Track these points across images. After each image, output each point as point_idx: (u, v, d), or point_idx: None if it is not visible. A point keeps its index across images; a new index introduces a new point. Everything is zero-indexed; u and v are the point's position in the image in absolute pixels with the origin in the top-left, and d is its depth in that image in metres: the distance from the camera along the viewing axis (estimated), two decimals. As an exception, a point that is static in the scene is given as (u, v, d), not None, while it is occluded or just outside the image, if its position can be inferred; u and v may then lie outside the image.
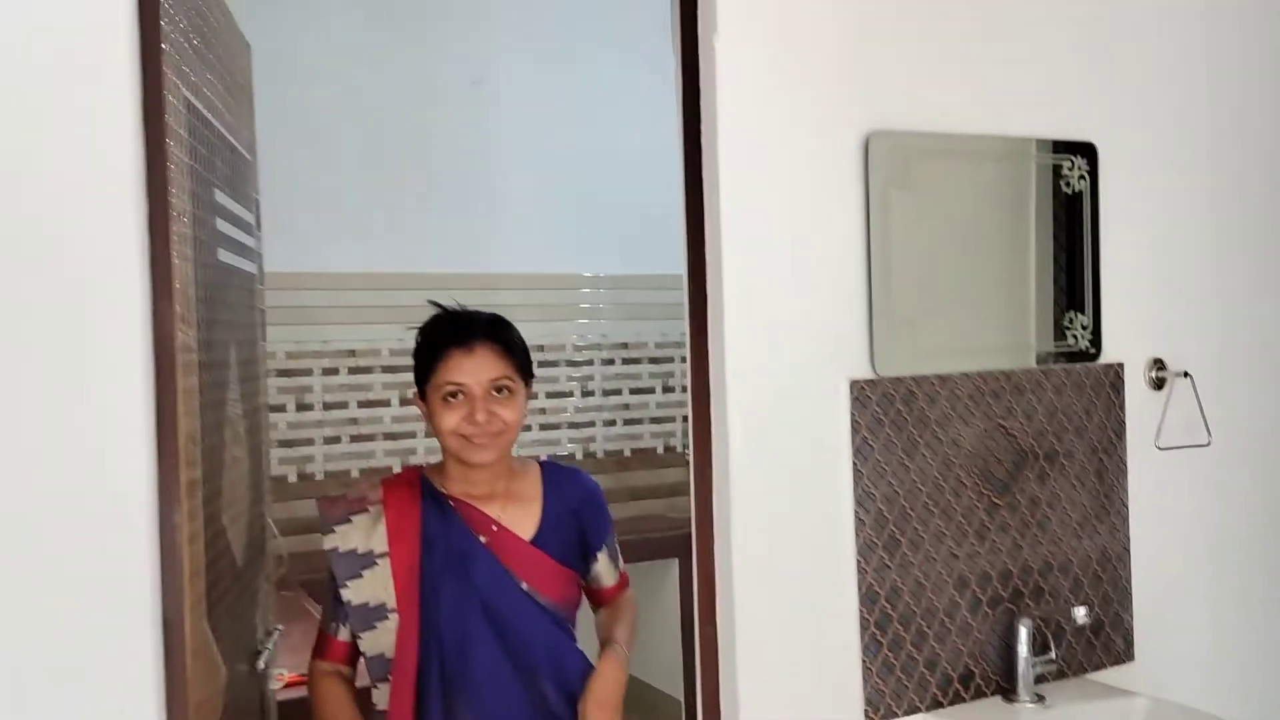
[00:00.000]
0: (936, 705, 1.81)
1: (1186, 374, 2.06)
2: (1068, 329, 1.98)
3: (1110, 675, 1.97)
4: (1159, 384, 2.05)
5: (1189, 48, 2.12)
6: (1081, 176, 1.99)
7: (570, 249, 3.70)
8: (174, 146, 1.45)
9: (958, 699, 1.83)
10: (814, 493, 1.76)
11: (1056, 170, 1.97)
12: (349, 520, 1.58)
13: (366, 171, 3.40)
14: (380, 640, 1.57)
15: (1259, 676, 2.20)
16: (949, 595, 1.84)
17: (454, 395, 1.53)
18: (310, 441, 3.42)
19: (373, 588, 1.55)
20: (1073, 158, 1.98)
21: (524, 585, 1.58)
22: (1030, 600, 1.91)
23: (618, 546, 1.77)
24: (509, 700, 1.55)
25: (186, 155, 1.55)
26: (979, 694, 1.85)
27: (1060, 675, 1.92)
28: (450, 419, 1.54)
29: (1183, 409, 2.07)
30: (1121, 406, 2.03)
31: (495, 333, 1.57)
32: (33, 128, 1.26)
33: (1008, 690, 1.85)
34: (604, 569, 1.73)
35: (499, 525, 1.59)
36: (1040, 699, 1.83)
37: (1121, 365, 2.04)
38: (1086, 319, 1.99)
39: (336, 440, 3.45)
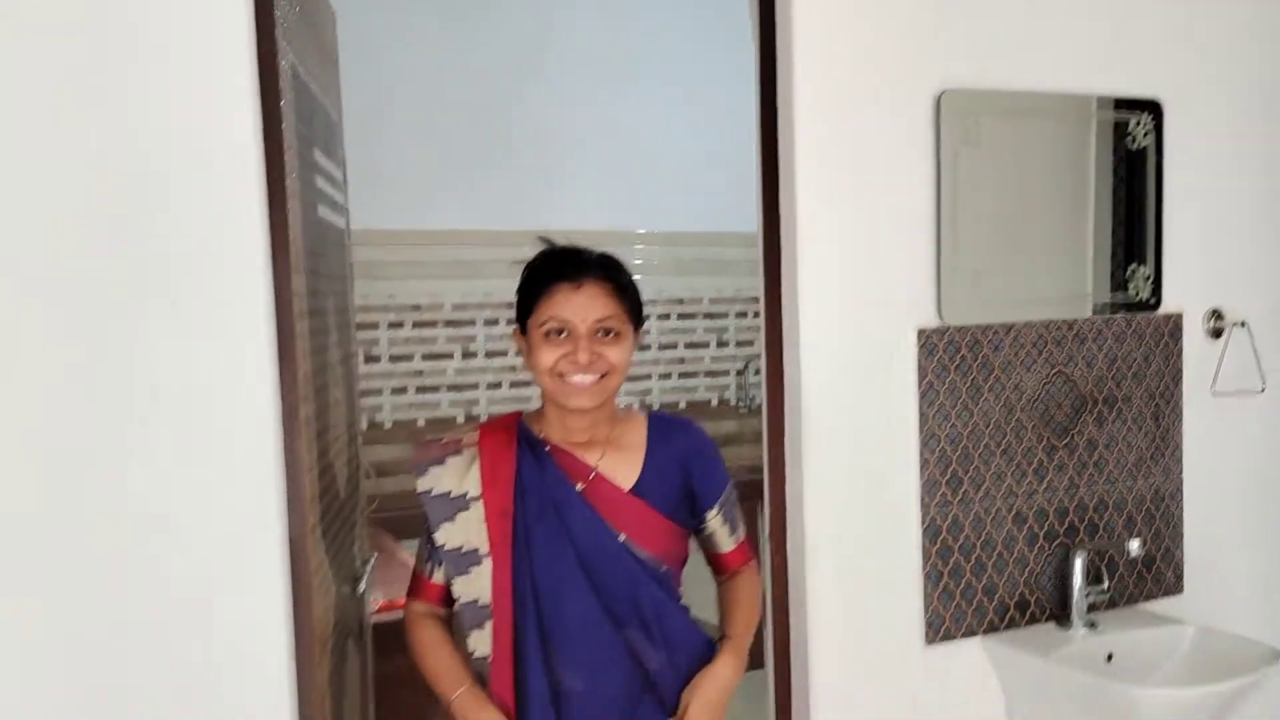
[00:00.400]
0: (992, 630, 1.96)
1: (1243, 324, 2.16)
2: (1129, 280, 2.08)
3: (1159, 606, 2.11)
4: (1217, 333, 2.16)
5: (1256, 6, 2.18)
6: (1147, 133, 2.07)
7: (628, 205, 3.82)
8: (284, 108, 1.59)
9: (1012, 624, 1.97)
10: (882, 433, 1.89)
11: (1123, 127, 2.06)
12: (442, 463, 1.54)
13: (429, 130, 3.53)
14: (474, 585, 1.52)
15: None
16: (1007, 529, 1.97)
17: (557, 333, 1.46)
18: (379, 392, 3.58)
19: (465, 532, 1.52)
20: (1139, 114, 2.07)
21: (621, 537, 1.51)
22: (1085, 535, 2.04)
23: (737, 512, 1.64)
24: (608, 654, 1.50)
25: (294, 116, 1.69)
26: (1033, 620, 1.99)
27: (1111, 605, 2.05)
28: (549, 356, 1.47)
29: (1239, 357, 2.17)
30: (1179, 354, 2.14)
31: (606, 271, 1.50)
32: (163, 98, 1.42)
33: (1061, 617, 1.99)
34: (718, 530, 1.62)
35: (596, 473, 1.52)
36: (1092, 625, 1.96)
37: (1180, 315, 2.14)
38: (1148, 270, 2.09)
39: (403, 391, 3.62)
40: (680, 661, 1.53)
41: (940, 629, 1.92)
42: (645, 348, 3.94)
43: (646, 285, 3.83)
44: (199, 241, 1.45)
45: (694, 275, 3.98)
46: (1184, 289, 2.12)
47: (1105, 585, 2.00)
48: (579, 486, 1.51)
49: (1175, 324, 2.13)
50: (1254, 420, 2.21)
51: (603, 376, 1.47)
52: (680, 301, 3.98)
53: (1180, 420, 2.14)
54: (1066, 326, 2.02)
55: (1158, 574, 2.13)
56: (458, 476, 1.53)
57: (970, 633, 1.94)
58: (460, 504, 1.51)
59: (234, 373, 1.47)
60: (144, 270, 1.42)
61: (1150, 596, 2.11)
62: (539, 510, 1.50)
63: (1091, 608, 1.99)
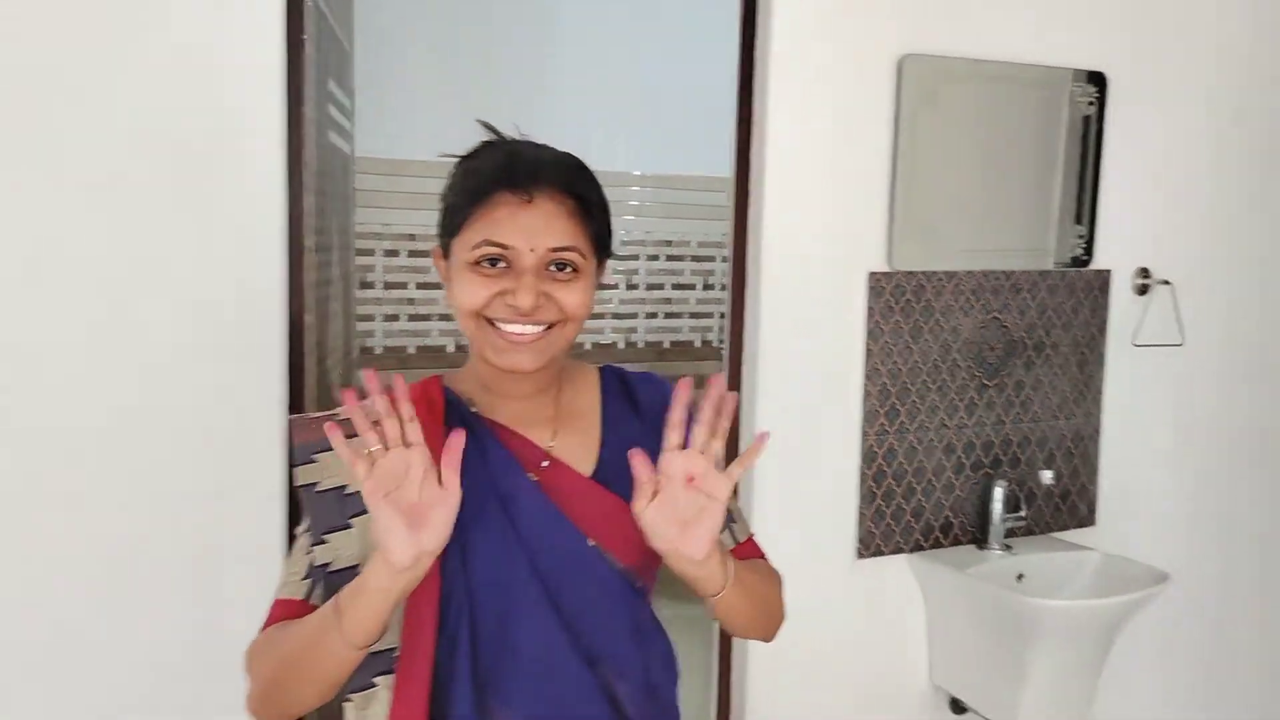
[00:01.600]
0: (918, 548, 2.27)
1: (1167, 282, 2.44)
2: (1067, 237, 2.36)
3: (1073, 535, 2.43)
4: (1142, 290, 2.45)
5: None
6: (1091, 102, 2.34)
7: (623, 147, 4.08)
8: (306, 40, 1.86)
9: (937, 544, 2.29)
10: (830, 366, 2.18)
11: (1069, 96, 2.32)
12: None
13: (429, 62, 3.77)
14: None
15: (1207, 545, 2.65)
16: (937, 459, 2.27)
17: (491, 262, 1.08)
18: (371, 318, 3.87)
19: (366, 542, 1.09)
20: (1084, 85, 2.33)
21: (590, 542, 1.13)
22: (1008, 467, 2.34)
23: (732, 500, 1.15)
24: (575, 699, 1.11)
25: (314, 48, 1.96)
26: (956, 542, 2.31)
27: (1029, 532, 2.36)
28: (476, 294, 1.08)
29: (1161, 313, 2.47)
30: (1106, 308, 2.43)
31: (569, 181, 1.11)
32: (202, 35, 1.70)
33: (980, 540, 2.30)
34: None
35: (550, 458, 1.15)
36: (1008, 548, 2.28)
37: (1110, 272, 2.43)
38: (1083, 229, 2.37)
39: (395, 319, 3.90)
40: (668, 708, 1.19)
41: (871, 545, 2.23)
42: (612, 287, 4.19)
43: (637, 227, 4.17)
44: (226, 158, 1.73)
45: (684, 219, 4.26)
46: (1115, 248, 2.41)
47: (1023, 513, 2.30)
48: (531, 477, 1.14)
49: (1104, 280, 2.42)
50: (1172, 372, 2.51)
51: (550, 327, 1.10)
52: (669, 244, 4.26)
53: (1102, 368, 2.44)
54: (1004, 276, 2.31)
55: (1072, 507, 2.44)
56: None
57: (898, 550, 2.26)
58: (360, 503, 1.07)
59: (249, 277, 1.77)
60: (170, 178, 1.71)
61: (1065, 527, 2.43)
62: (478, 509, 1.11)
63: (1010, 534, 2.30)
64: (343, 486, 1.11)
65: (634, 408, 1.21)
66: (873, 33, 2.14)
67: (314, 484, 1.11)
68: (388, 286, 3.87)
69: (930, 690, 2.32)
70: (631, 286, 4.21)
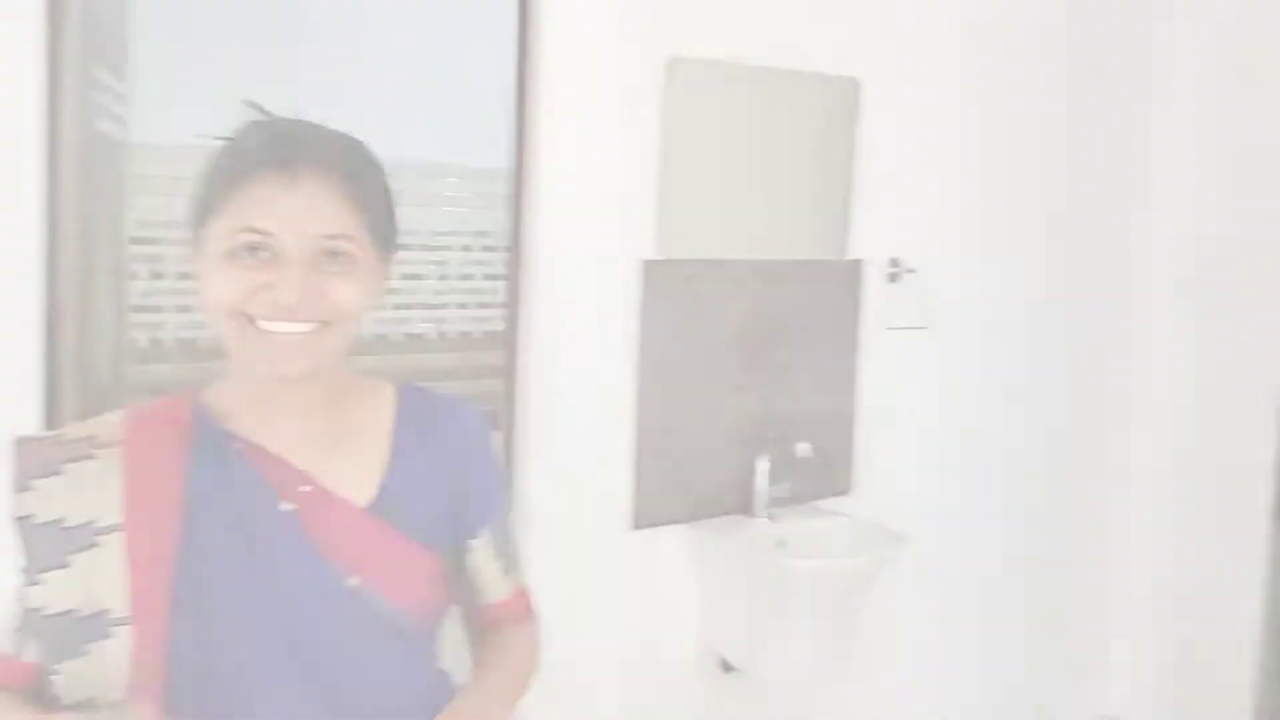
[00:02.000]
0: (691, 519, 2.48)
1: (912, 270, 2.75)
2: (824, 230, 2.62)
3: (832, 503, 2.69)
4: (893, 278, 2.74)
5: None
6: (843, 104, 2.60)
7: (437, 138, 4.15)
8: (69, 26, 1.90)
9: (710, 515, 2.50)
10: (607, 351, 2.36)
11: (808, 98, 2.57)
12: (58, 472, 1.01)
13: (231, 45, 3.74)
14: (94, 673, 1.00)
15: (950, 509, 2.97)
16: (707, 435, 2.49)
17: (251, 250, 0.98)
18: (159, 309, 3.81)
19: (87, 584, 1.00)
20: (840, 89, 2.59)
21: (351, 581, 1.05)
22: (772, 442, 2.59)
23: (514, 541, 1.22)
24: None
25: (78, 33, 1.99)
26: (726, 512, 2.53)
27: (792, 501, 2.61)
28: (231, 287, 0.98)
29: (911, 299, 2.76)
30: (860, 294, 2.70)
31: (342, 160, 1.03)
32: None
33: (747, 510, 2.53)
34: (485, 568, 1.17)
35: (313, 484, 1.06)
36: (771, 517, 2.52)
37: (863, 261, 2.70)
38: (840, 222, 2.63)
39: (187, 310, 3.85)
40: None
41: (646, 517, 2.42)
42: (445, 277, 4.26)
43: (452, 218, 4.24)
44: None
45: (498, 210, 4.37)
46: (868, 239, 2.68)
47: (785, 484, 2.55)
48: (286, 506, 1.05)
49: (858, 269, 2.70)
50: (920, 353, 2.82)
51: (327, 324, 1.01)
52: (484, 234, 4.37)
53: (857, 350, 2.72)
54: (768, 265, 2.54)
55: (831, 477, 2.71)
56: (82, 494, 1.01)
57: (672, 521, 2.46)
58: (83, 538, 1.01)
59: (3, 269, 1.79)
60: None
61: (824, 495, 2.69)
62: (221, 543, 1.03)
63: (775, 503, 2.54)
64: (59, 520, 1.01)
65: (435, 435, 1.13)
66: (643, 36, 2.32)
67: (30, 515, 1.01)
68: (180, 276, 3.82)
69: (703, 653, 2.53)
70: (443, 277, 4.31)
